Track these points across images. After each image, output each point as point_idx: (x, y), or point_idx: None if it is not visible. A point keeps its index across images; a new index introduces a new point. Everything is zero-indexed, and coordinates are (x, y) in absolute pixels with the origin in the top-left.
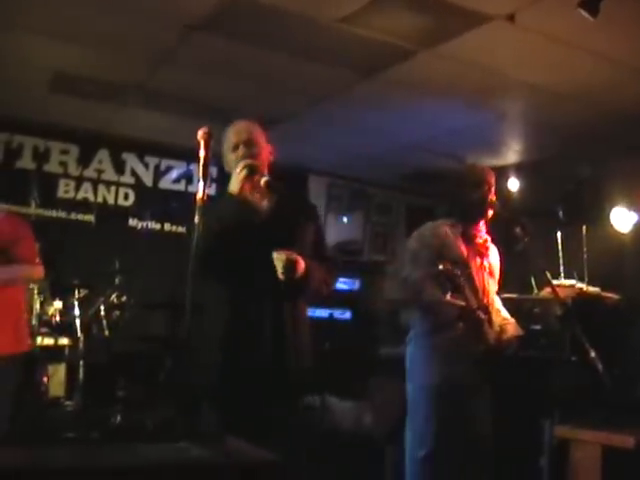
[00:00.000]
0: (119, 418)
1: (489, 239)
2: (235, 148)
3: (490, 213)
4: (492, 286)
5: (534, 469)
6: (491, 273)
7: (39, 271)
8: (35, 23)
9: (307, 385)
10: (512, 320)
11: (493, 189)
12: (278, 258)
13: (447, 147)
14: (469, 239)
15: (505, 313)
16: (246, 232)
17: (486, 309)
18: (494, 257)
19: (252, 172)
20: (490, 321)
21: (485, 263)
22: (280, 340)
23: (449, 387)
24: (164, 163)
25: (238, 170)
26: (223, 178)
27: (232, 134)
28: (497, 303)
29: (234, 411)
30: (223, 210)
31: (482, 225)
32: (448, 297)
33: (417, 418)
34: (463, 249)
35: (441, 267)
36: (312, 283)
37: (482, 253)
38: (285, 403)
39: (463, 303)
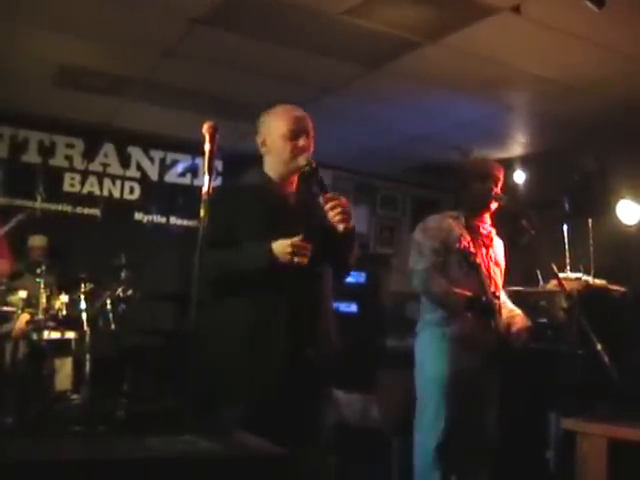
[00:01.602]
0: (126, 411)
1: (493, 231)
2: (296, 136)
3: (494, 206)
4: (498, 276)
5: (540, 461)
6: (497, 263)
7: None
8: (39, 17)
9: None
10: (519, 312)
11: (500, 183)
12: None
13: (453, 140)
14: (473, 230)
15: (511, 305)
16: (280, 229)
17: (496, 297)
18: (499, 249)
19: (312, 175)
20: (499, 310)
21: (491, 253)
22: (315, 335)
23: (459, 378)
24: (170, 157)
25: (303, 164)
26: (228, 171)
27: (291, 119)
28: (502, 295)
29: (265, 409)
30: (257, 202)
31: (487, 217)
32: (457, 289)
33: (428, 409)
34: (469, 240)
35: (457, 245)
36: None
37: (487, 244)
38: (316, 399)
39: (470, 293)
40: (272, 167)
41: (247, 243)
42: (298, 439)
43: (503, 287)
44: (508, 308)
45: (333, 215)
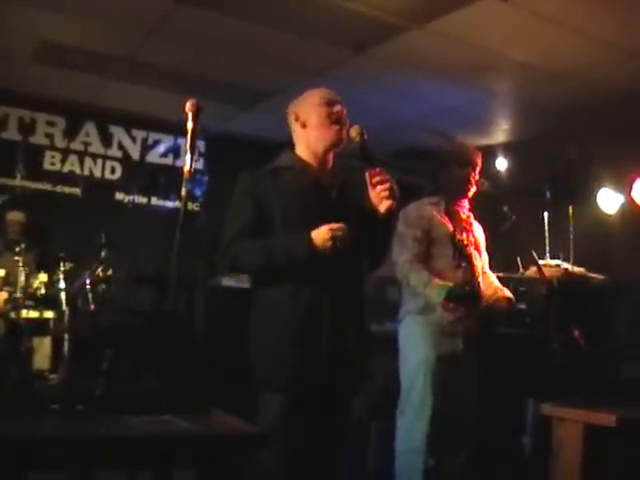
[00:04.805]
0: (104, 391)
1: (472, 216)
2: (331, 104)
3: (472, 192)
4: (479, 260)
5: (517, 446)
6: (477, 247)
7: None
8: None
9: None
10: (506, 292)
11: (478, 169)
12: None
13: (437, 125)
14: (452, 215)
15: (498, 284)
16: (316, 217)
17: (477, 283)
18: (479, 232)
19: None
20: (480, 295)
21: (471, 238)
22: (355, 319)
23: (442, 363)
24: (152, 137)
25: (353, 134)
26: (210, 152)
27: (323, 91)
28: (491, 277)
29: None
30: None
31: (465, 202)
32: (439, 280)
33: (413, 396)
34: (449, 226)
35: (447, 235)
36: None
37: (467, 228)
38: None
39: (451, 284)
40: (308, 143)
41: (285, 234)
42: (333, 422)
43: (484, 270)
44: (494, 287)
45: (379, 192)
